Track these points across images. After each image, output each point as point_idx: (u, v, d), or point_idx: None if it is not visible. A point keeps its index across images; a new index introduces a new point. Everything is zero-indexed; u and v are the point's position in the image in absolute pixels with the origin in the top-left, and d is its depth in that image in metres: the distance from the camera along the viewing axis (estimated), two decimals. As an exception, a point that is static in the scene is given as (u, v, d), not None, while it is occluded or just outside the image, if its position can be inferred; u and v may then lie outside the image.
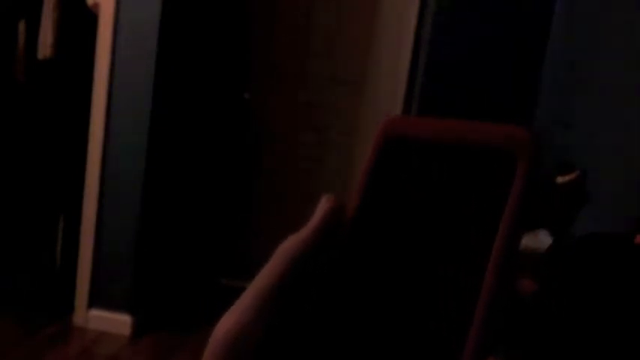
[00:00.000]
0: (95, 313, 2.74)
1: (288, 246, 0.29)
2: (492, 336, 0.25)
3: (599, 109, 2.09)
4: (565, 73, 2.55)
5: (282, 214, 3.26)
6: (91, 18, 2.61)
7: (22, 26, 2.76)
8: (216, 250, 3.39)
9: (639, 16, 1.86)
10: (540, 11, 2.75)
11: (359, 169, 3.33)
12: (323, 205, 0.30)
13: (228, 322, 0.27)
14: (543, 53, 2.76)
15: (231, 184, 3.35)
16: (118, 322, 2.72)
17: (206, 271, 3.39)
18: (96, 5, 2.56)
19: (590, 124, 2.14)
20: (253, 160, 3.32)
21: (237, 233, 3.37)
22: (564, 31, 2.61)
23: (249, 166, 3.32)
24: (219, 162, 3.32)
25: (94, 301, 2.75)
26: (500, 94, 2.82)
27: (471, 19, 2.79)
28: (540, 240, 1.72)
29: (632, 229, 1.44)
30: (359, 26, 3.13)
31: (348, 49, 3.16)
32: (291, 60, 3.22)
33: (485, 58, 2.81)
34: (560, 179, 1.99)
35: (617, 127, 1.90)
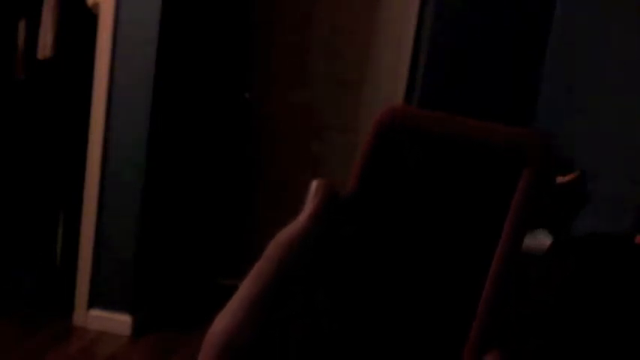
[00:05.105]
0: (95, 313, 2.74)
1: (284, 238, 0.27)
2: (494, 333, 0.25)
3: (599, 109, 2.09)
4: (565, 72, 2.55)
5: (282, 214, 3.25)
6: (90, 18, 2.61)
7: (22, 26, 2.76)
8: (216, 249, 3.39)
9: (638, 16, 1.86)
10: (541, 9, 2.75)
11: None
12: (316, 191, 0.28)
13: (220, 324, 0.26)
14: (544, 52, 2.76)
15: (231, 183, 3.35)
16: (118, 322, 2.72)
17: (206, 271, 3.39)
18: (96, 5, 2.56)
19: (590, 124, 2.13)
20: (253, 159, 3.31)
21: (237, 233, 3.37)
22: (565, 29, 2.61)
23: (249, 166, 3.32)
24: (219, 162, 3.32)
25: (94, 301, 2.75)
26: (500, 93, 2.82)
27: (471, 18, 2.79)
28: (540, 240, 1.72)
29: (632, 229, 1.44)
30: (359, 26, 3.13)
31: (348, 49, 3.15)
32: (291, 60, 3.22)
33: (486, 57, 2.81)
34: (560, 179, 1.99)
35: (618, 125, 1.90)
